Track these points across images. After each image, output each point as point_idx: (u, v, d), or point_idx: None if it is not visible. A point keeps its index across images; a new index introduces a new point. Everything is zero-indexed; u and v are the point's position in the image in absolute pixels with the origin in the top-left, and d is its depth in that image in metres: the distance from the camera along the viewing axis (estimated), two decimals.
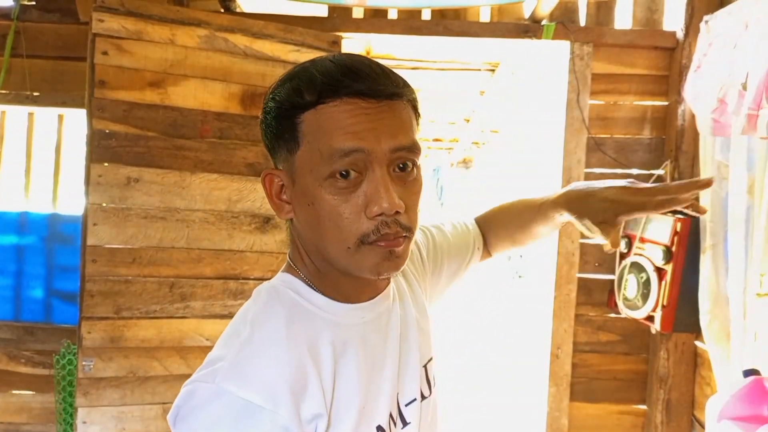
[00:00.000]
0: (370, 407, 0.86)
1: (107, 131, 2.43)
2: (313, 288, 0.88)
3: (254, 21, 2.65)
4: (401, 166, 0.81)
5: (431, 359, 1.00)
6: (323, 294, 0.87)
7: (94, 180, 2.41)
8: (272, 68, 2.62)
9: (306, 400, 0.78)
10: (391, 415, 0.89)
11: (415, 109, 0.85)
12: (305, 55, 2.67)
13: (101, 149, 2.43)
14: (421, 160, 0.85)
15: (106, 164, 2.43)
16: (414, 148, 0.81)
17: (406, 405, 0.92)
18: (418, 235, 1.03)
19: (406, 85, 0.83)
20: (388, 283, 0.94)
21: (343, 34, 2.82)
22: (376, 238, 0.80)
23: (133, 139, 2.46)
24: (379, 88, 0.79)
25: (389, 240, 0.80)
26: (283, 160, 0.84)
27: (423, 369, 0.97)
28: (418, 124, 0.85)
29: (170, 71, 2.50)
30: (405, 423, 0.92)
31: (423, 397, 0.96)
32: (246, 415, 0.74)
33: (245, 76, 2.59)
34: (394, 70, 0.84)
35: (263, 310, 0.85)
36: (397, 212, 0.80)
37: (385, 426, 0.87)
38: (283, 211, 0.87)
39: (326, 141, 0.78)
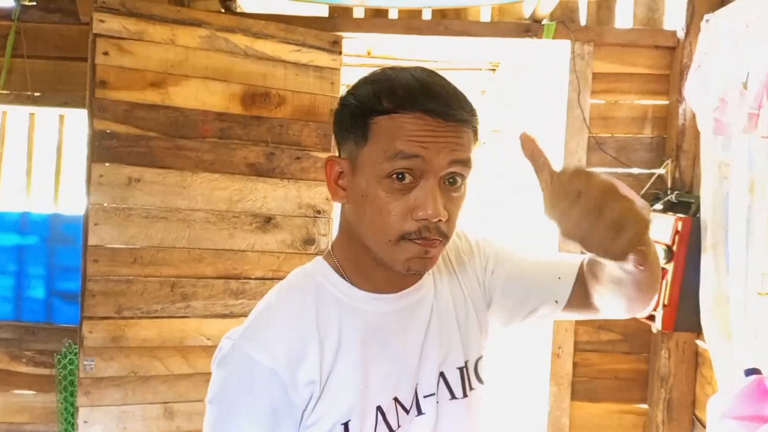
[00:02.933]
0: (373, 389, 0.94)
1: (108, 131, 2.43)
2: (340, 275, 0.98)
3: (255, 21, 2.65)
4: (451, 180, 0.90)
5: (468, 360, 1.05)
6: (350, 281, 0.97)
7: (95, 180, 2.41)
8: (273, 68, 2.62)
9: (302, 366, 0.90)
10: (398, 400, 0.97)
11: (475, 133, 0.94)
12: (306, 55, 2.67)
13: (102, 149, 2.43)
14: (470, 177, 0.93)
15: (107, 164, 2.43)
16: (467, 163, 0.91)
17: (425, 397, 0.99)
18: (489, 246, 1.11)
19: (473, 113, 0.92)
20: (418, 279, 1.00)
21: (344, 34, 2.82)
22: (416, 237, 0.89)
23: (134, 139, 2.46)
24: (450, 111, 0.88)
25: (427, 240, 0.89)
26: (348, 151, 0.93)
27: (440, 371, 1.02)
28: (475, 146, 0.94)
29: (171, 71, 2.50)
30: (420, 412, 0.99)
31: (453, 396, 1.01)
32: (252, 368, 0.89)
33: (246, 76, 2.59)
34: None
35: (287, 285, 0.99)
36: (439, 220, 0.88)
37: (385, 408, 0.95)
38: (338, 196, 0.95)
39: (392, 144, 0.87)
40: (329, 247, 1.02)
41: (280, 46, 2.64)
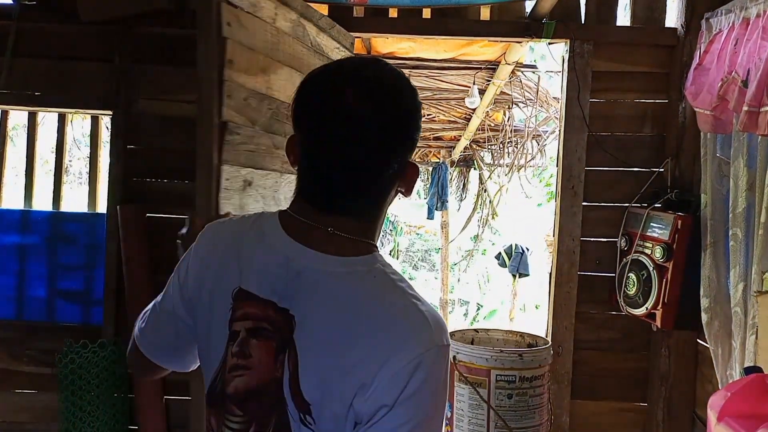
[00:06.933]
0: None
1: (233, 123, 1.98)
2: None
3: (318, 12, 2.40)
4: None
5: None
6: None
7: (224, 185, 1.93)
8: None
9: None
10: None
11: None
12: (340, 54, 2.59)
13: (228, 146, 1.95)
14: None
15: (231, 166, 1.98)
16: None
17: None
18: None
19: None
20: None
21: None
22: None
23: (248, 135, 2.06)
24: None
25: None
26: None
27: None
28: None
29: (271, 55, 2.15)
30: None
31: None
32: None
33: (310, 69, 2.39)
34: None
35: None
36: None
37: None
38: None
39: None
40: (370, 243, 1.02)
41: (331, 42, 2.49)
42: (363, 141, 0.93)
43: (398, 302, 0.94)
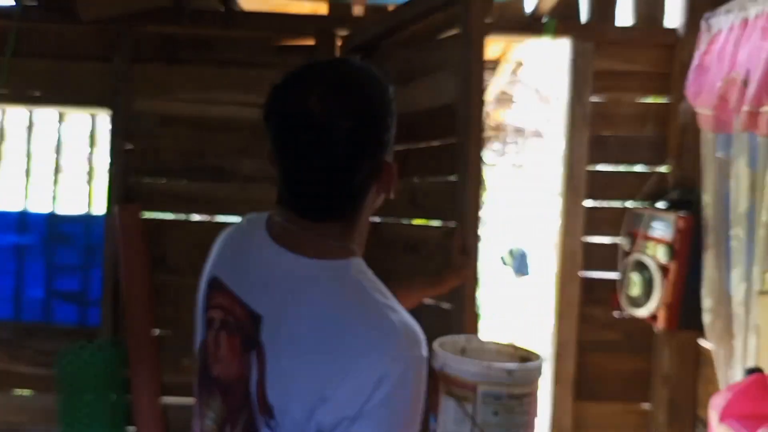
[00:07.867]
0: None
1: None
2: None
3: None
4: None
5: None
6: None
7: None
8: None
9: None
10: None
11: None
12: None
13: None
14: None
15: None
16: None
17: None
18: None
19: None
20: None
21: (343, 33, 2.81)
22: None
23: None
24: None
25: None
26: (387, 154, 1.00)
27: None
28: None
29: None
30: None
31: None
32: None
33: None
34: None
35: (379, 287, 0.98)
36: None
37: None
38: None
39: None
40: (346, 245, 0.99)
41: None
42: (328, 147, 0.91)
43: (367, 310, 0.91)
